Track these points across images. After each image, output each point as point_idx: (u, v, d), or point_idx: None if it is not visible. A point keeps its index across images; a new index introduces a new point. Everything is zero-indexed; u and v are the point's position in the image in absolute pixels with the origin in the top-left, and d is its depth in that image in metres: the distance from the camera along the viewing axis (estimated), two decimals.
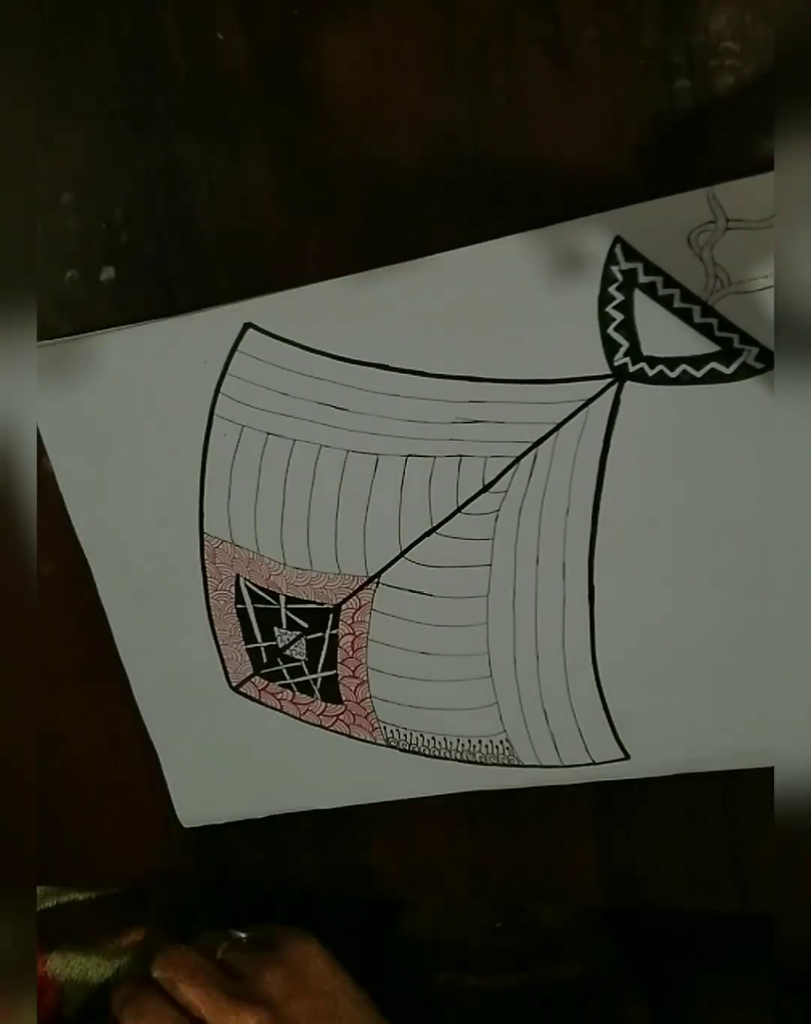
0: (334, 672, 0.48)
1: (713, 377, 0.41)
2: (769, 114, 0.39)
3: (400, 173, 0.43)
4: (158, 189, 0.46)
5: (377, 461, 0.45)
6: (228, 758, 0.51)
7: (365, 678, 0.48)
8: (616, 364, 0.42)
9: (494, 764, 0.48)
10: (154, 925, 0.60)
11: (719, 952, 0.54)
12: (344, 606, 0.47)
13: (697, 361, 0.41)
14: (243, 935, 0.50)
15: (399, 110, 0.43)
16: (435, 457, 0.45)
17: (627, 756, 0.46)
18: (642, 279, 0.41)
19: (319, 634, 0.48)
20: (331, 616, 0.48)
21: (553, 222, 0.41)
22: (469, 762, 0.48)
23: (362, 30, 0.43)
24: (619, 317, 0.41)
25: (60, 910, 0.59)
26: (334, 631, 0.48)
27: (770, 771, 0.43)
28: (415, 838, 0.51)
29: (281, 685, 0.49)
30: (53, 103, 0.46)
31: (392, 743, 0.49)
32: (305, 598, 0.48)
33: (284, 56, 0.44)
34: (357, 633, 0.47)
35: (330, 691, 0.49)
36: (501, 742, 0.48)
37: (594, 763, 0.47)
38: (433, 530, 0.45)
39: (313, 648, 0.48)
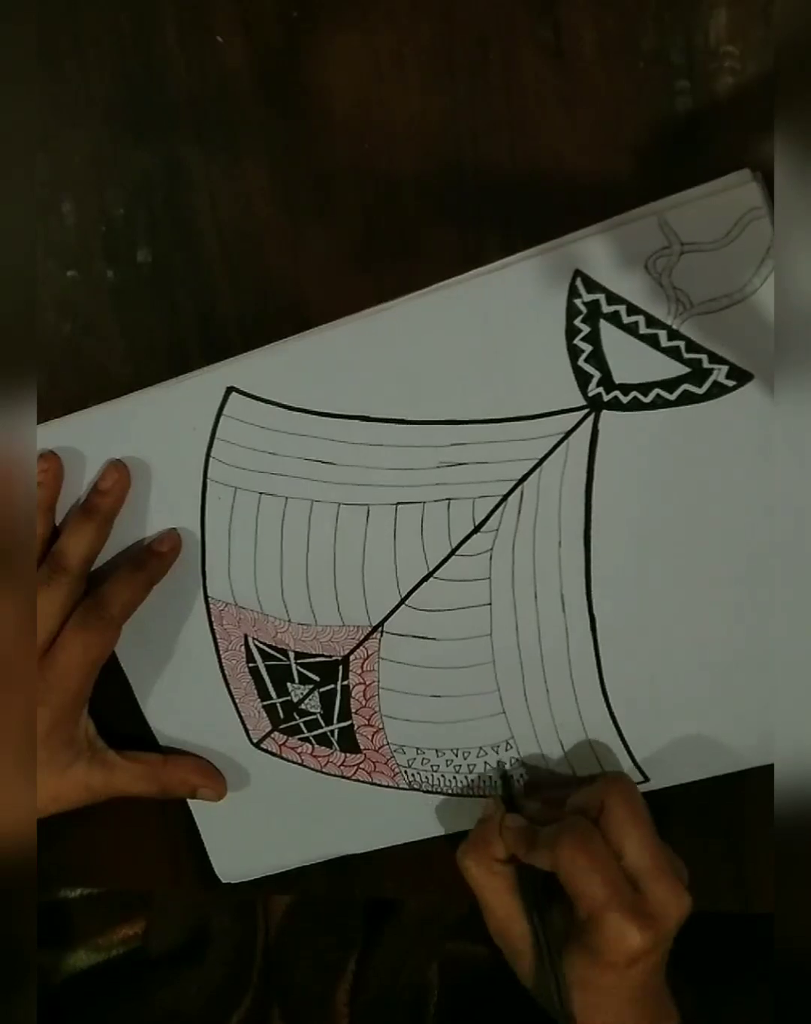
0: (350, 722, 0.49)
1: (687, 398, 0.41)
2: (769, 115, 0.39)
3: (399, 175, 0.44)
4: (158, 191, 0.46)
5: (368, 511, 0.46)
6: (257, 813, 0.51)
7: (380, 726, 0.49)
8: (590, 395, 0.42)
9: None
10: (154, 919, 0.61)
11: (719, 952, 0.54)
12: (352, 657, 0.48)
13: (669, 384, 0.41)
14: None
15: (398, 112, 0.43)
16: (424, 502, 0.45)
17: (647, 778, 0.47)
18: (606, 309, 0.41)
19: (331, 686, 0.49)
20: (341, 667, 0.48)
21: (553, 226, 0.41)
22: (492, 797, 0.48)
23: (361, 32, 0.43)
24: (588, 348, 0.42)
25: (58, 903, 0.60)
26: (345, 682, 0.48)
27: (770, 771, 0.43)
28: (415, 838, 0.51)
29: (300, 739, 0.50)
30: (53, 105, 0.47)
31: (414, 785, 0.49)
32: (313, 652, 0.48)
33: (283, 58, 0.44)
34: (367, 682, 0.48)
35: (347, 741, 0.49)
36: (520, 775, 0.48)
37: None
38: (430, 575, 0.46)
39: (327, 700, 0.49)
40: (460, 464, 0.44)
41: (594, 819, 0.42)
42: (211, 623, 0.49)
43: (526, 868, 0.43)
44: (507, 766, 0.48)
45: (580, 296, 0.41)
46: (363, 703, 0.49)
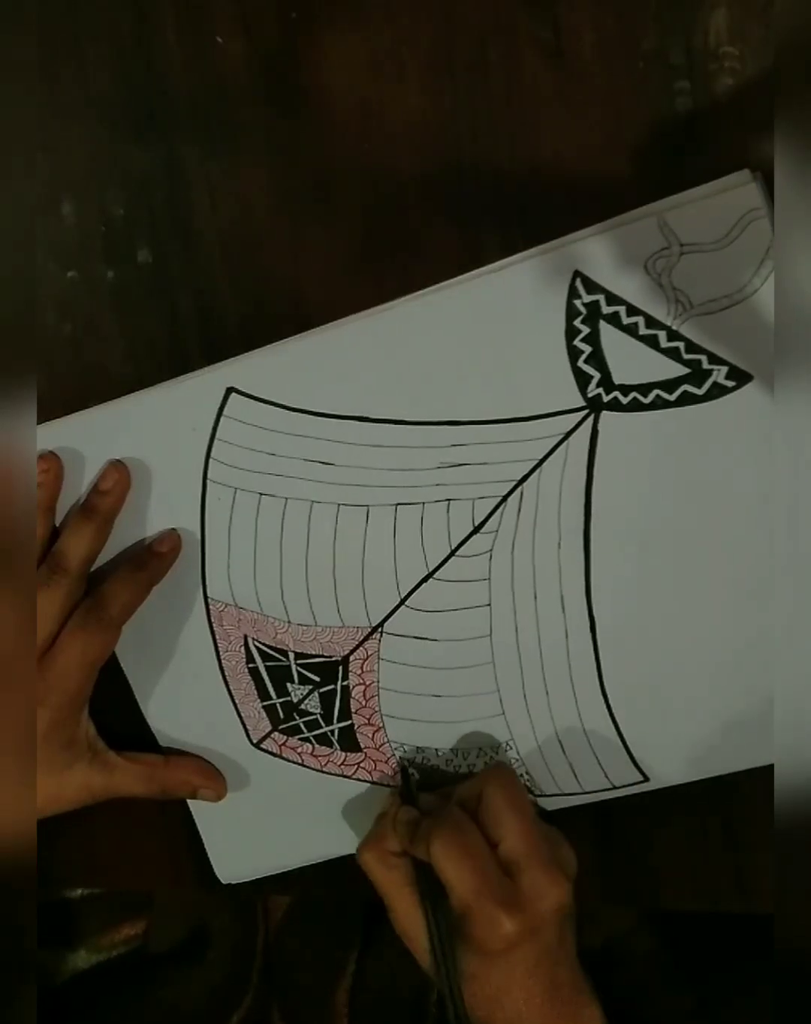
0: (350, 722, 0.49)
1: (686, 399, 0.41)
2: (769, 115, 0.39)
3: (399, 176, 0.44)
4: (158, 191, 0.46)
5: (368, 512, 0.46)
6: (257, 813, 0.51)
7: (381, 725, 0.49)
8: (590, 395, 0.42)
9: None
10: (155, 919, 0.61)
11: (719, 952, 0.54)
12: (352, 657, 0.48)
13: (669, 385, 0.41)
14: None
15: (398, 113, 0.43)
16: (424, 503, 0.45)
17: (646, 778, 0.47)
18: (605, 310, 0.41)
19: (331, 686, 0.49)
20: (340, 668, 0.48)
21: (553, 226, 0.41)
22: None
23: (361, 33, 0.43)
24: (587, 349, 0.42)
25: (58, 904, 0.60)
26: (345, 682, 0.48)
27: (770, 771, 0.43)
28: None
29: (300, 739, 0.50)
30: (53, 105, 0.47)
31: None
32: (313, 653, 0.48)
33: (283, 59, 0.44)
34: (367, 682, 0.48)
35: (348, 741, 0.49)
36: (522, 775, 0.48)
37: (614, 787, 0.47)
38: (429, 576, 0.46)
39: (327, 700, 0.49)
40: (460, 465, 0.44)
41: (474, 810, 0.43)
42: (211, 624, 0.49)
43: (424, 863, 0.43)
44: (407, 761, 0.49)
45: (580, 297, 0.41)
46: (363, 703, 0.49)
